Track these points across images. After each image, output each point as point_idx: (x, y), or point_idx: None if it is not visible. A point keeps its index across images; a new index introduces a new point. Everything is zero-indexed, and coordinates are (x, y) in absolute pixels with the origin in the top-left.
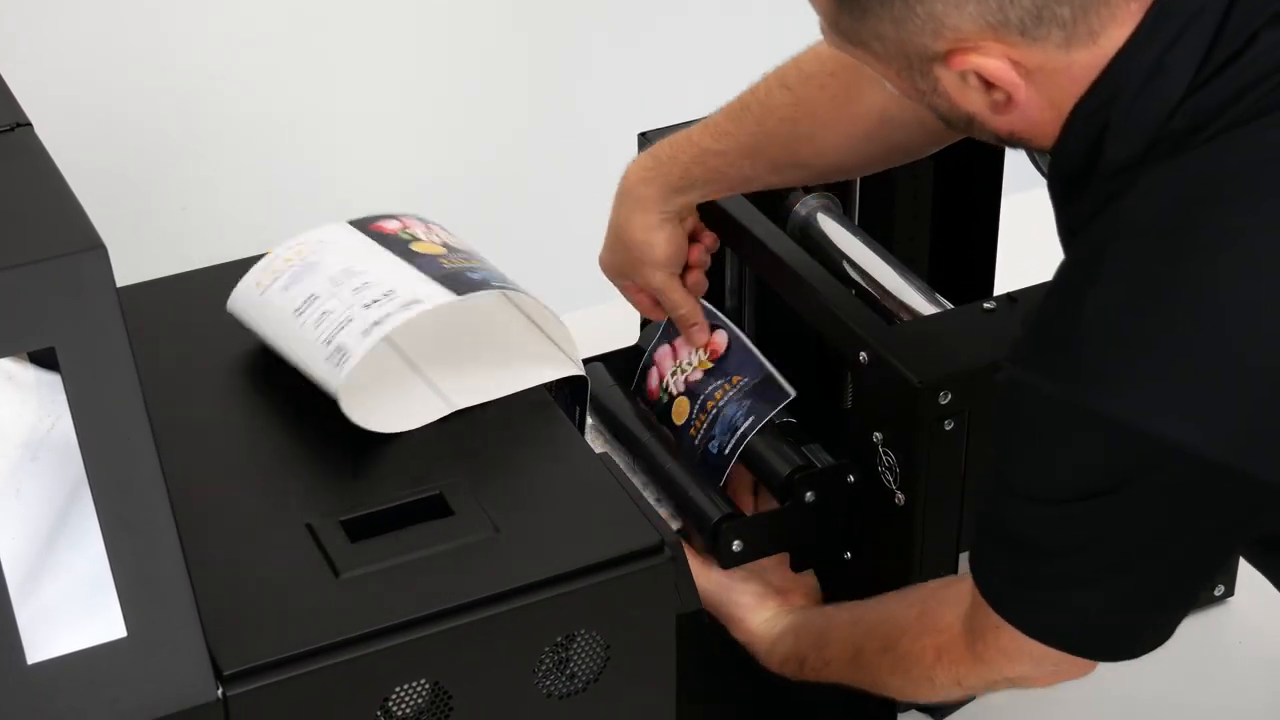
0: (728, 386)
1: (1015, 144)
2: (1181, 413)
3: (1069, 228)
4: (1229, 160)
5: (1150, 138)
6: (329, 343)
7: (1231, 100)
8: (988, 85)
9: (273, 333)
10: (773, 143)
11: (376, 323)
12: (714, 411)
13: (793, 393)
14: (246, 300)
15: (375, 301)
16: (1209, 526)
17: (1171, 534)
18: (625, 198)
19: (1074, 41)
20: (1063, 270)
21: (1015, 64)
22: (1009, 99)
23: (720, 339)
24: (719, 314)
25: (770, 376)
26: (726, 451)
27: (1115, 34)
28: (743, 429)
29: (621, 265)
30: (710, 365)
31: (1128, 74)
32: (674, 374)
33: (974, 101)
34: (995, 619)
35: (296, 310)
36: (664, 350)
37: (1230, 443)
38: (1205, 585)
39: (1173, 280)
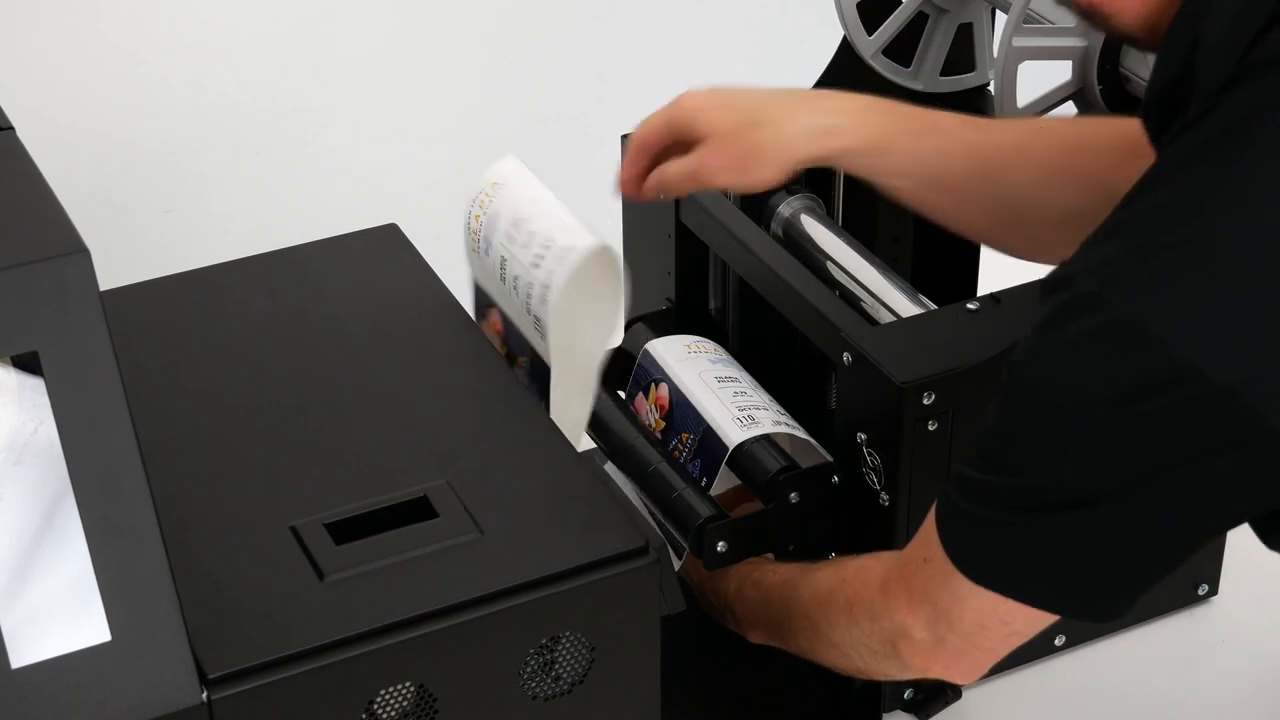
0: (680, 447)
1: (1096, 20)
2: (1202, 331)
3: (1170, 144)
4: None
5: (1236, 63)
6: (529, 313)
7: None
8: None
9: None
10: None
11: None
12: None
13: (730, 445)
14: (477, 267)
15: (540, 259)
16: (1209, 471)
17: (1168, 467)
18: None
19: None
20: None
21: None
22: None
23: (664, 393)
24: (662, 366)
25: (709, 430)
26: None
27: None
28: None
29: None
30: (664, 424)
31: None
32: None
33: None
34: (929, 551)
35: (500, 278)
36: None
37: (1243, 373)
38: (1189, 553)
39: (1217, 201)
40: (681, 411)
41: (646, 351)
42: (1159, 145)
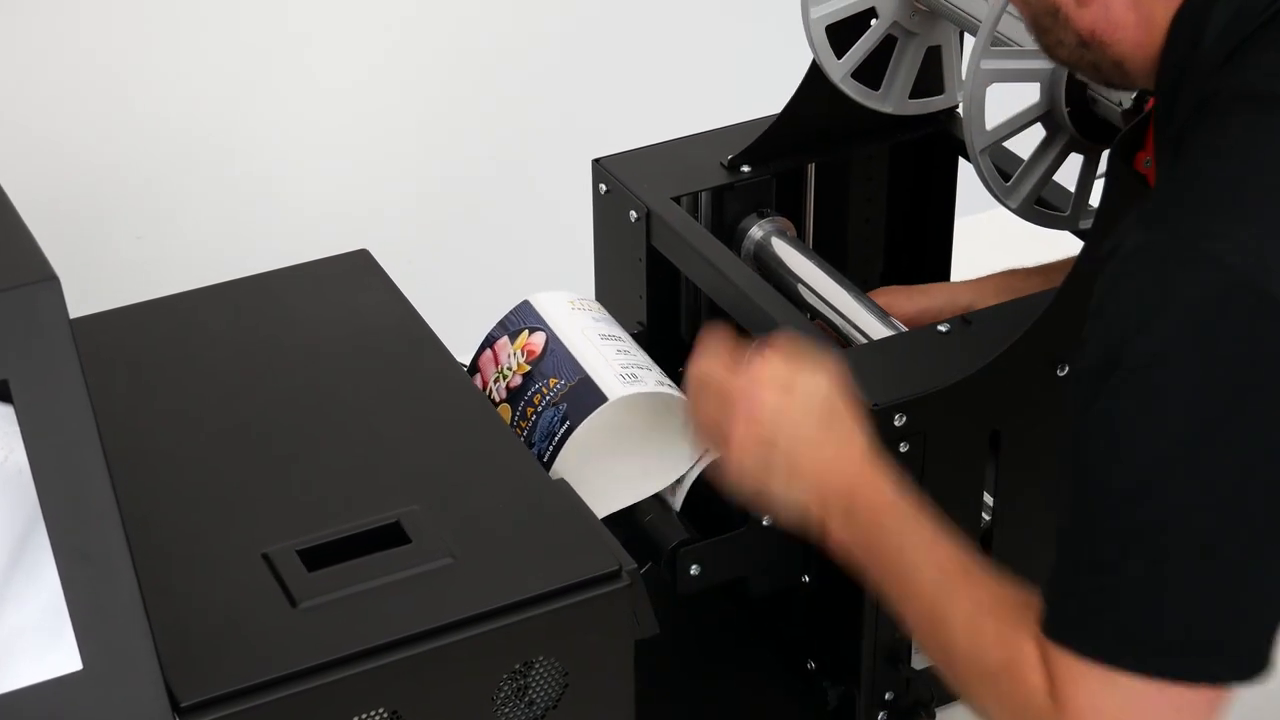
0: (545, 390)
1: (1094, 57)
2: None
3: (1173, 140)
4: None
5: (1238, 41)
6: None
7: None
8: None
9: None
10: None
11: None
12: (534, 418)
13: (610, 396)
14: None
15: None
16: None
17: (1258, 391)
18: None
19: None
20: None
21: None
22: None
23: (537, 340)
24: (543, 317)
25: (586, 379)
26: (545, 459)
27: None
28: (560, 434)
29: None
30: (528, 368)
31: None
32: (496, 380)
33: None
34: (1058, 670)
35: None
36: (486, 356)
37: None
38: None
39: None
40: (556, 359)
41: (527, 302)
42: (1165, 133)
